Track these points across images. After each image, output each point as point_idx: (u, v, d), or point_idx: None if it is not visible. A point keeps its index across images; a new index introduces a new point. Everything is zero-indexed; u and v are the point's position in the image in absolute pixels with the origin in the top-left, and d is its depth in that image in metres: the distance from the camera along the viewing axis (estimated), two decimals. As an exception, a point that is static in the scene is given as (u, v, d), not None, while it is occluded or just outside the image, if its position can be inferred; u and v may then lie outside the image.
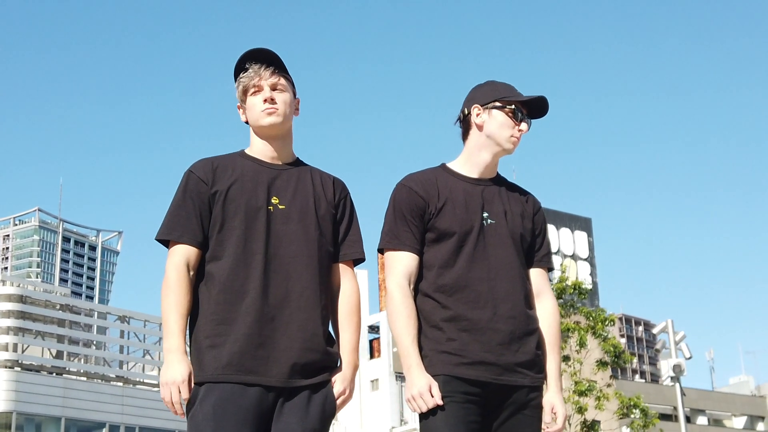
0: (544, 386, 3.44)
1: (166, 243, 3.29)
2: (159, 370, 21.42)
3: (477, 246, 3.41)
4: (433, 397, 3.22)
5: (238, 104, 3.41)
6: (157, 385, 20.43)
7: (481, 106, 3.53)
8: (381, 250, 3.50)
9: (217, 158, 3.37)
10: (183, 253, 3.23)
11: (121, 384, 18.96)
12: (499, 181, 3.60)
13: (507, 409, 3.33)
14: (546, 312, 3.51)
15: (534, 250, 3.58)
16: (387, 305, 3.41)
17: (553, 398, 3.41)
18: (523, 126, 3.51)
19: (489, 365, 3.29)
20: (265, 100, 3.30)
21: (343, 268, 3.38)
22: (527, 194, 3.65)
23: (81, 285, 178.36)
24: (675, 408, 37.77)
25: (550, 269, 3.62)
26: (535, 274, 3.56)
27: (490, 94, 3.54)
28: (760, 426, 58.90)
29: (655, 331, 24.61)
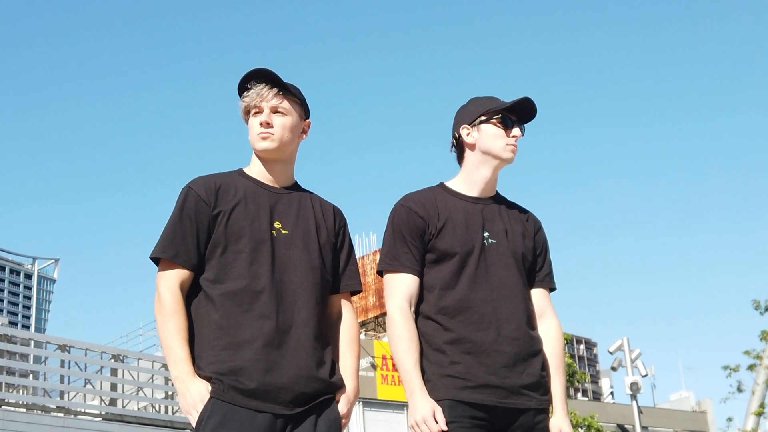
0: (550, 409, 3.38)
1: (157, 261, 3.17)
2: (101, 399, 20.98)
3: (479, 266, 3.35)
4: (437, 422, 3.15)
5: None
6: (99, 415, 20.04)
7: (469, 125, 3.49)
8: (380, 272, 3.43)
9: (217, 177, 3.27)
10: (177, 276, 3.13)
11: (62, 414, 18.63)
12: (498, 199, 3.55)
13: None
14: (549, 333, 3.45)
15: (536, 270, 3.51)
16: (388, 328, 3.34)
17: (560, 422, 3.36)
18: (516, 131, 3.46)
19: (494, 388, 3.23)
20: (261, 124, 3.23)
21: (342, 300, 3.33)
22: (527, 213, 3.59)
23: (17, 314, 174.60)
24: (618, 426, 38.23)
25: (552, 289, 3.56)
26: (537, 294, 3.50)
27: (475, 110, 3.50)
28: (702, 441, 59.47)
29: (611, 349, 24.73)
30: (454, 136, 3.55)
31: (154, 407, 21.60)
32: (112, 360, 20.69)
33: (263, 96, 3.23)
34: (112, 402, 20.71)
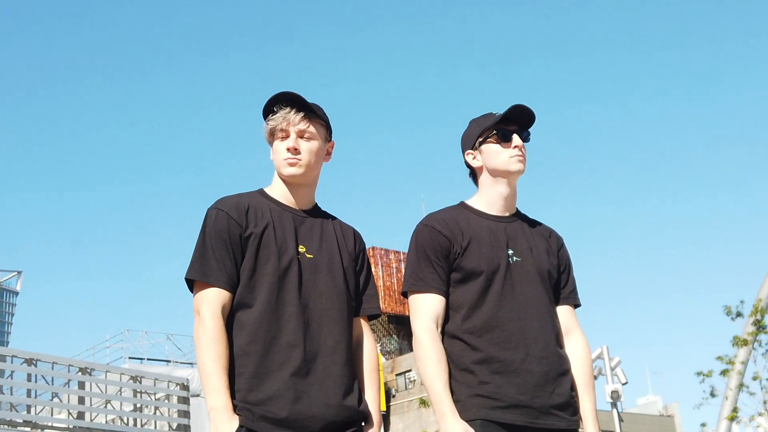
0: (581, 428, 3.33)
1: (191, 283, 3.09)
2: (68, 413, 20.63)
3: (505, 284, 3.30)
4: None
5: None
6: (66, 429, 19.70)
7: (472, 149, 3.48)
8: (405, 293, 3.37)
9: (243, 197, 3.20)
10: (219, 299, 3.04)
11: (29, 429, 18.40)
12: (520, 216, 3.51)
13: None
14: (577, 350, 3.41)
15: (560, 287, 3.48)
16: (415, 350, 3.28)
17: None
18: (516, 141, 3.41)
19: (524, 408, 3.17)
20: (288, 149, 3.17)
21: (362, 323, 3.29)
22: (550, 230, 3.58)
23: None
24: None
25: (576, 306, 3.51)
26: (563, 312, 3.45)
27: (472, 133, 3.49)
28: (669, 445, 59.88)
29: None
30: (465, 163, 3.55)
31: (122, 420, 21.33)
32: (80, 373, 20.41)
33: (290, 120, 3.16)
34: (80, 415, 20.44)
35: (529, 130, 3.48)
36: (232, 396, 2.97)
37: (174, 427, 21.36)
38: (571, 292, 3.49)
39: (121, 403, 21.41)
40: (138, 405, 21.46)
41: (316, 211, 3.31)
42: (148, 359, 29.62)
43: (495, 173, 3.43)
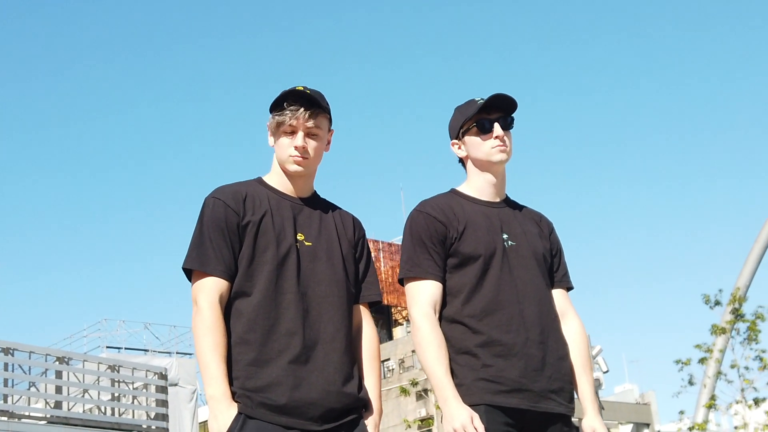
0: (577, 414, 3.35)
1: (189, 272, 3.09)
2: (45, 402, 20.49)
3: (503, 268, 3.31)
4: (476, 430, 3.07)
5: (269, 128, 3.25)
6: (44, 418, 19.57)
7: (456, 139, 3.50)
8: (401, 280, 3.36)
9: (241, 186, 3.20)
10: (217, 288, 3.04)
11: (5, 418, 18.29)
12: (510, 202, 3.53)
13: None
14: (573, 333, 3.41)
15: (554, 271, 3.50)
16: (415, 336, 3.26)
17: (593, 422, 3.31)
18: (496, 131, 3.40)
19: (526, 392, 3.18)
20: (296, 148, 3.16)
21: (362, 310, 3.27)
22: (540, 214, 3.60)
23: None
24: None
25: (570, 288, 3.54)
26: (557, 295, 3.46)
27: (455, 124, 3.51)
28: (646, 432, 60.33)
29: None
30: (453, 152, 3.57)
31: (100, 409, 21.25)
32: (57, 362, 20.29)
33: (299, 118, 3.14)
34: (57, 405, 20.36)
35: (513, 115, 3.47)
36: (231, 384, 2.98)
37: (152, 416, 21.29)
38: (564, 275, 3.52)
39: (98, 393, 21.32)
40: (116, 394, 21.39)
41: (314, 199, 3.30)
42: (125, 348, 29.51)
43: (478, 164, 3.45)
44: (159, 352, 28.84)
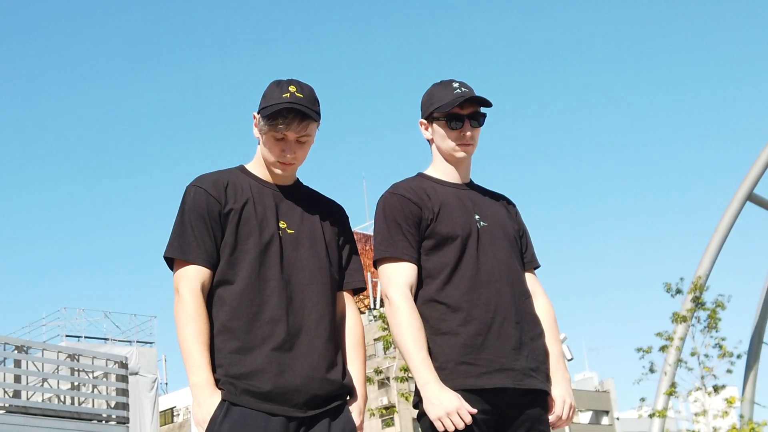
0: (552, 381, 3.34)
1: (171, 262, 3.08)
2: (4, 391, 20.13)
3: (479, 249, 3.30)
4: (462, 418, 3.04)
5: (255, 118, 3.20)
6: (2, 408, 19.28)
7: (425, 120, 3.46)
8: (375, 263, 3.31)
9: (222, 174, 3.18)
10: (199, 276, 3.02)
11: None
12: (475, 185, 3.52)
13: (521, 427, 3.21)
14: (543, 311, 3.42)
15: (523, 252, 3.50)
16: (392, 318, 3.21)
17: (563, 391, 3.31)
18: (465, 129, 3.38)
19: (508, 371, 3.17)
20: (284, 151, 3.13)
21: (346, 297, 3.25)
22: (505, 197, 3.59)
23: None
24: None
25: (537, 267, 3.55)
26: (527, 275, 3.47)
27: (428, 105, 3.45)
28: (605, 420, 60.98)
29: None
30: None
31: (59, 399, 21.05)
32: (15, 351, 20.05)
33: (292, 128, 3.10)
34: (16, 394, 20.06)
35: (485, 110, 3.43)
36: (213, 371, 2.96)
37: (112, 406, 21.10)
38: (532, 255, 3.53)
39: (58, 382, 21.14)
40: (75, 383, 21.20)
41: (297, 187, 3.28)
42: (85, 337, 29.16)
43: (442, 152, 3.44)
44: (119, 341, 28.53)
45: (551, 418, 3.28)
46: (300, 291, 3.07)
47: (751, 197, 30.28)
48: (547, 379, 3.30)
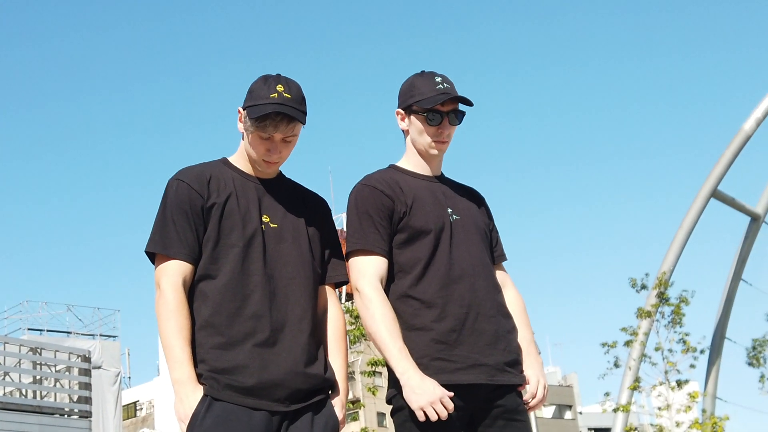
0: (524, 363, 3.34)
1: (152, 256, 3.05)
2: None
3: (452, 243, 3.27)
4: (446, 408, 3.03)
5: (240, 113, 3.15)
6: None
7: (403, 110, 3.40)
8: (347, 255, 3.27)
9: (205, 167, 3.15)
10: (180, 271, 3.00)
11: None
12: (445, 178, 3.49)
13: (498, 421, 3.19)
14: (512, 301, 3.43)
15: (493, 245, 3.49)
16: (365, 310, 3.16)
17: (538, 372, 3.31)
18: (443, 127, 3.34)
19: (482, 366, 3.16)
20: (269, 150, 3.11)
21: (328, 291, 3.23)
22: (474, 189, 3.58)
23: None
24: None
25: (505, 259, 3.55)
26: (497, 268, 3.47)
27: (408, 96, 3.39)
28: (568, 414, 61.36)
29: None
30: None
31: (21, 392, 20.83)
32: (-24, 344, 19.75)
33: (279, 130, 3.07)
34: (-23, 388, 19.80)
35: (465, 109, 3.39)
36: (195, 366, 2.95)
37: (75, 400, 20.94)
38: (501, 249, 3.52)
39: (20, 375, 20.95)
40: (37, 377, 21.03)
41: (280, 180, 3.25)
42: (48, 331, 28.89)
43: (415, 146, 3.40)
44: (82, 334, 28.29)
45: (526, 396, 3.27)
46: (283, 286, 3.05)
47: (716, 194, 30.48)
48: (522, 371, 3.28)
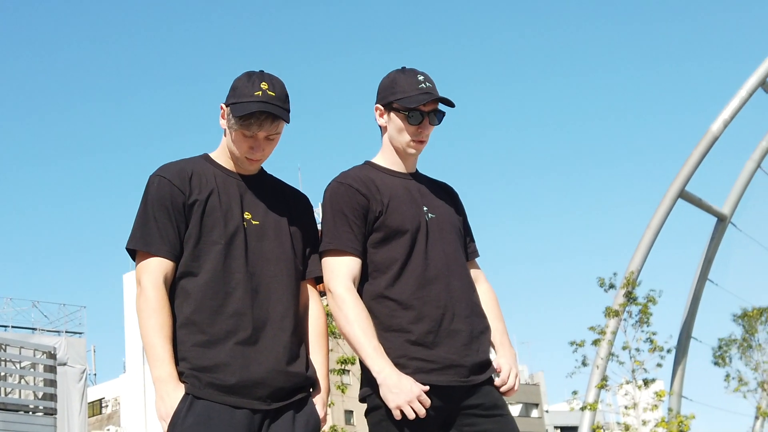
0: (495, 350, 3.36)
1: (133, 253, 3.02)
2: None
3: (428, 242, 3.23)
4: (423, 405, 3.01)
5: (223, 110, 3.10)
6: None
7: (382, 106, 3.35)
8: (320, 254, 3.21)
9: (186, 163, 3.10)
10: (161, 269, 2.96)
11: None
12: (419, 175, 3.45)
13: (479, 418, 3.16)
14: (485, 294, 3.42)
15: (467, 242, 3.47)
16: (338, 310, 3.12)
17: (510, 361, 3.30)
18: (423, 126, 3.30)
19: (457, 368, 3.13)
20: (252, 148, 3.07)
21: (309, 288, 3.20)
22: (447, 185, 3.54)
23: None
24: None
25: (477, 256, 3.53)
26: (470, 264, 3.45)
27: (388, 92, 3.33)
28: (534, 413, 61.70)
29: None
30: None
31: (-15, 389, 20.55)
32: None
33: (263, 128, 3.04)
34: (-60, 385, 19.57)
35: (445, 109, 3.36)
36: (176, 364, 2.92)
37: (40, 396, 20.79)
38: (474, 245, 3.51)
39: (-16, 372, 20.67)
40: (2, 374, 20.81)
41: (261, 176, 3.22)
42: (12, 327, 28.54)
43: (392, 143, 3.35)
44: (47, 331, 27.98)
45: (497, 381, 3.26)
46: (265, 283, 3.03)
47: (683, 194, 30.73)
48: (490, 366, 3.26)
